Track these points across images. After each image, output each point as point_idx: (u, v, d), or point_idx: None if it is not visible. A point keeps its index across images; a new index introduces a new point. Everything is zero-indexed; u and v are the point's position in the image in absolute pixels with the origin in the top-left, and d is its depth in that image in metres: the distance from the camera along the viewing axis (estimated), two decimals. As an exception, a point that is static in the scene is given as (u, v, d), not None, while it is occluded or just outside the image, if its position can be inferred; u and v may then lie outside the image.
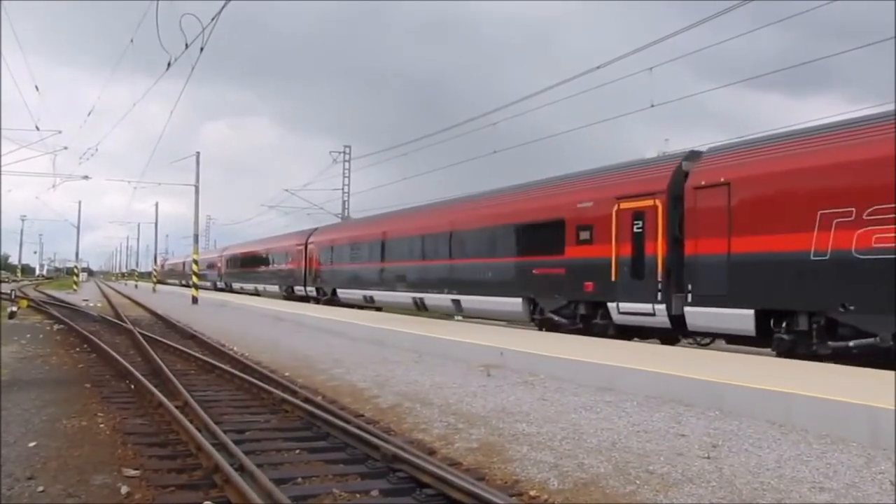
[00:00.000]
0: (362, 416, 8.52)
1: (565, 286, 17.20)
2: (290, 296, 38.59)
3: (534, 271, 18.29)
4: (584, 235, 16.61)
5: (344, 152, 48.22)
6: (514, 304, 19.09)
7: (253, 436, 7.46)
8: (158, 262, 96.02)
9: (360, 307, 29.70)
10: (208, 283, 60.62)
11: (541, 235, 18.17)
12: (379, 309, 28.60)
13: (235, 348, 15.73)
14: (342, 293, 31.91)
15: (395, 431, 7.74)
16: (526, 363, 11.94)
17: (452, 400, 9.50)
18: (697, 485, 5.75)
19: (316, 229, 38.03)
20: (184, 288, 60.05)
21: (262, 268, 45.87)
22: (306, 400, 8.92)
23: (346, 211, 47.22)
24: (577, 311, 16.92)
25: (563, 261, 17.20)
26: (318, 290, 34.92)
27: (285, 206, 54.27)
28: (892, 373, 9.47)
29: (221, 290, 56.11)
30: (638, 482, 5.84)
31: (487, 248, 20.75)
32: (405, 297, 25.55)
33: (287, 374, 11.94)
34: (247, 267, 50.08)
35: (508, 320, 20.99)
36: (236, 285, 53.20)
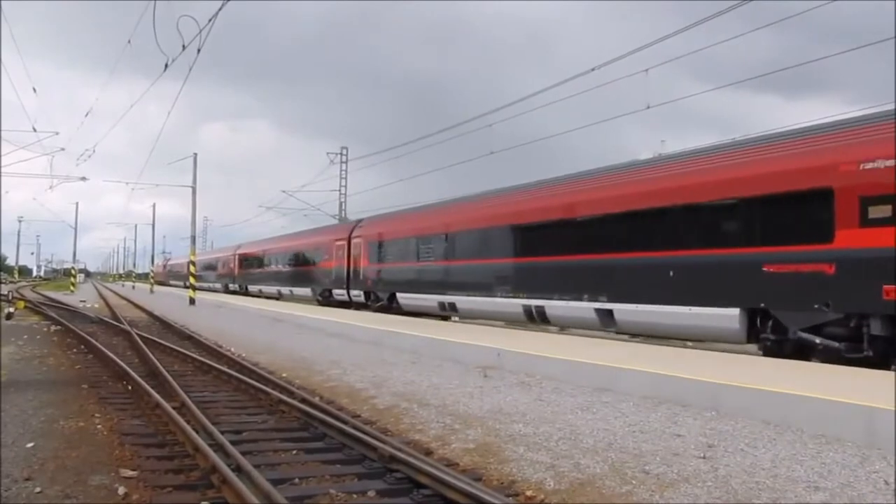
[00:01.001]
0: (359, 416, 8.53)
1: (837, 291, 11.21)
2: (326, 301, 33.04)
3: (765, 268, 12.17)
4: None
5: (341, 153, 48.23)
6: (722, 317, 12.93)
7: (250, 436, 7.47)
8: (160, 262, 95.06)
9: (429, 316, 23.76)
10: (219, 286, 56.93)
11: (780, 215, 12.28)
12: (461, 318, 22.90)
13: (233, 349, 15.73)
14: (405, 298, 25.31)
15: (393, 432, 7.75)
16: (523, 364, 11.96)
17: (449, 401, 9.52)
18: (693, 485, 5.78)
19: (360, 221, 31.67)
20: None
21: (288, 267, 39.85)
22: (303, 401, 8.93)
23: (342, 212, 47.21)
24: (866, 331, 10.87)
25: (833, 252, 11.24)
26: (367, 294, 28.61)
27: (283, 208, 54.10)
28: (887, 373, 9.51)
29: (234, 293, 51.39)
30: (634, 482, 5.87)
31: (660, 236, 14.44)
32: (511, 304, 18.94)
33: (284, 374, 11.95)
34: (268, 267, 44.17)
35: (712, 340, 14.17)
36: (253, 288, 47.12)
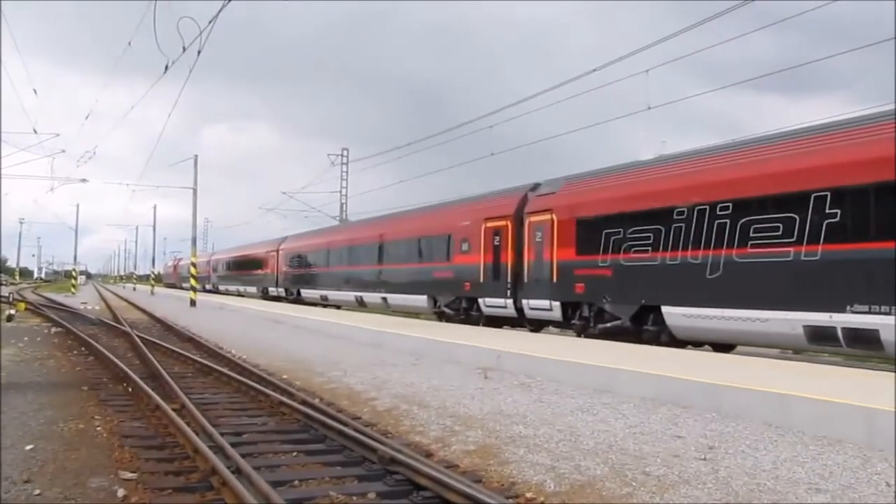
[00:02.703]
0: (359, 418, 8.52)
1: None
2: (466, 315, 22.69)
3: None
4: None
5: (342, 155, 48.24)
6: None
7: (250, 438, 7.46)
8: (168, 262, 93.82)
9: None
10: (253, 290, 49.34)
11: None
12: None
13: (233, 351, 15.72)
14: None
15: (393, 434, 7.74)
16: (523, 365, 11.95)
17: (449, 402, 9.50)
18: (694, 486, 5.76)
19: (538, 188, 20.27)
20: (215, 295, 52.86)
21: (384, 266, 28.76)
22: (304, 402, 8.92)
23: (343, 213, 47.22)
24: None
25: None
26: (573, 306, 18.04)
27: (283, 209, 53.69)
28: (888, 373, 9.50)
29: (276, 298, 42.81)
30: (634, 484, 5.85)
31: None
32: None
33: (285, 376, 11.94)
34: (337, 265, 34.32)
35: None
36: (309, 293, 37.89)
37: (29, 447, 6.89)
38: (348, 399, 10.02)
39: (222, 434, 6.98)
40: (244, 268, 52.42)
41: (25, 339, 18.40)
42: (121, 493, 5.51)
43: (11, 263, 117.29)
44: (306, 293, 38.34)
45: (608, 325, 16.57)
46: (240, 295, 52.23)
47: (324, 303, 35.62)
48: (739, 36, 16.65)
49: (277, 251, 44.09)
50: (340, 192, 47.87)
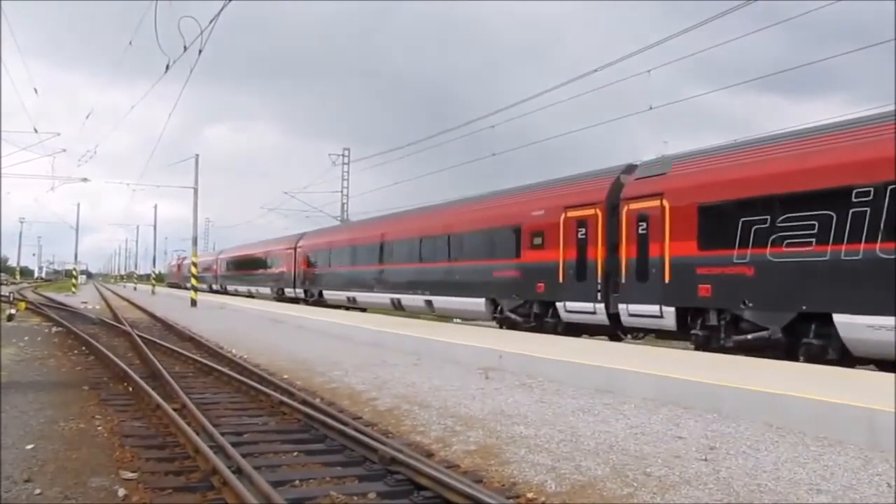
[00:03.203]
0: (360, 418, 8.52)
1: None
2: (519, 323, 19.68)
3: None
4: None
5: (343, 155, 48.26)
6: None
7: (251, 438, 7.46)
8: (172, 262, 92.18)
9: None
10: (266, 290, 44.70)
11: None
12: None
13: (234, 350, 15.72)
14: None
15: (393, 434, 7.74)
16: (524, 365, 11.95)
17: (451, 402, 9.50)
18: (695, 487, 5.76)
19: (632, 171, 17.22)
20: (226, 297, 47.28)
21: (412, 264, 25.75)
22: (304, 402, 8.92)
23: (345, 213, 47.22)
24: None
25: None
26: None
27: (284, 209, 53.53)
28: (888, 374, 9.48)
29: (292, 300, 38.63)
30: (635, 484, 5.85)
31: None
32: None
33: (285, 376, 11.94)
34: (365, 263, 30.10)
35: None
36: (333, 294, 33.08)
37: (30, 446, 6.90)
38: (349, 399, 10.02)
39: (223, 434, 6.98)
40: (255, 267, 48.62)
41: (26, 338, 18.40)
42: (121, 492, 5.52)
43: (12, 263, 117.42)
44: (330, 295, 34.02)
45: (749, 336, 13.39)
46: (250, 296, 48.35)
47: (351, 306, 31.46)
48: (742, 36, 16.63)
49: (295, 249, 39.88)
50: (342, 191, 47.90)
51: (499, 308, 20.54)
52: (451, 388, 10.60)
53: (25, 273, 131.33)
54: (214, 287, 59.99)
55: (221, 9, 11.58)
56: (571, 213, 17.61)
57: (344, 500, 5.45)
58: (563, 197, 18.25)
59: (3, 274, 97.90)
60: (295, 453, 6.86)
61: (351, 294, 31.23)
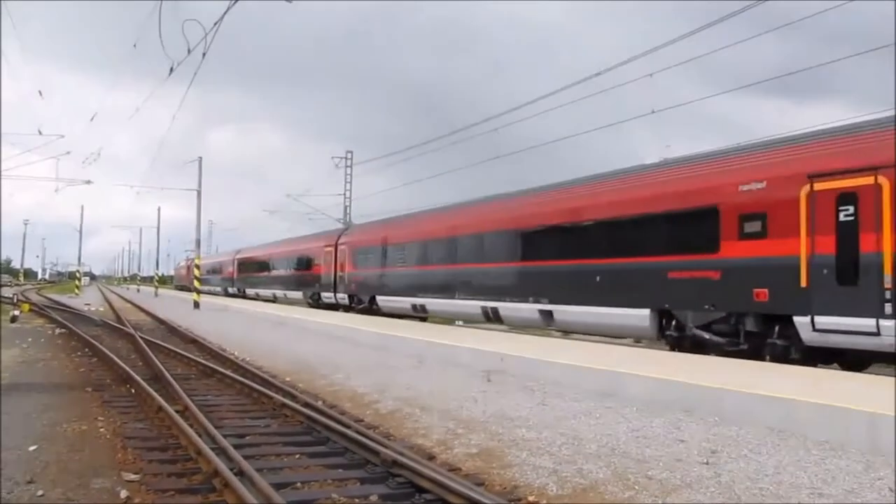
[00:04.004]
0: (362, 421, 8.53)
1: None
2: (722, 344, 13.87)
3: None
4: None
5: (346, 157, 48.28)
6: None
7: (253, 440, 7.48)
8: (182, 263, 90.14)
9: None
10: (298, 295, 37.99)
11: None
12: None
13: (236, 353, 15.74)
14: None
15: (395, 436, 7.74)
16: (526, 369, 11.94)
17: (452, 405, 9.50)
18: (696, 490, 5.76)
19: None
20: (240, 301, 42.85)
21: (518, 263, 19.96)
22: (306, 405, 8.94)
23: (347, 216, 47.24)
24: None
25: None
26: None
27: (288, 212, 53.30)
28: (890, 379, 9.47)
29: (332, 306, 32.53)
30: (637, 488, 5.85)
31: None
32: None
33: (287, 378, 11.95)
34: (440, 261, 23.81)
35: None
36: (396, 300, 26.53)
37: (32, 448, 6.92)
38: (351, 402, 10.03)
39: (225, 436, 6.99)
40: (282, 268, 42.05)
41: (29, 340, 18.45)
42: (124, 494, 5.53)
43: (16, 264, 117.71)
44: (387, 302, 27.31)
45: None
46: (273, 300, 42.37)
47: (417, 315, 25.50)
48: (745, 40, 16.62)
49: (336, 246, 32.73)
50: (344, 194, 47.90)
51: (672, 323, 14.91)
52: (452, 391, 10.61)
53: (29, 275, 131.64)
54: (230, 290, 54.93)
55: (225, 12, 11.62)
56: (825, 184, 12.05)
57: (345, 502, 5.46)
58: (808, 160, 12.67)
59: (6, 275, 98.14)
60: (297, 455, 6.88)
61: (419, 300, 24.76)
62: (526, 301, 19.24)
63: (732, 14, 14.94)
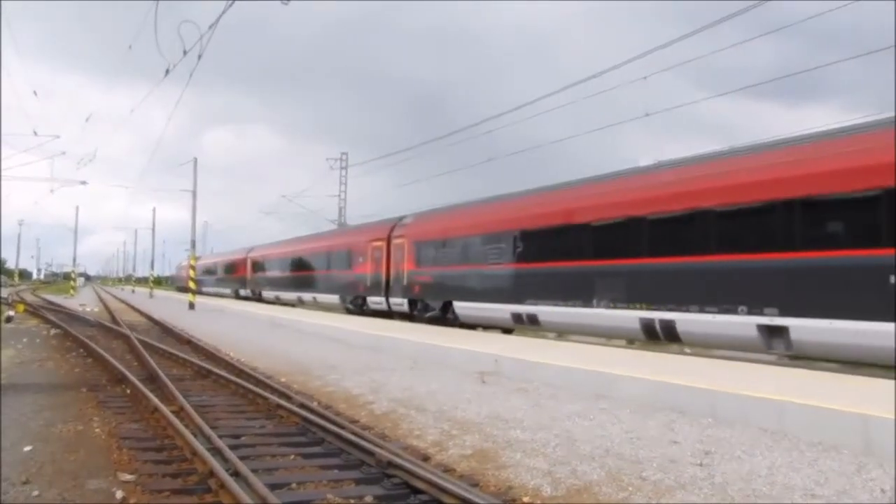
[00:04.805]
0: (357, 421, 8.54)
1: None
2: None
3: None
4: None
5: (341, 159, 48.32)
6: None
7: (248, 441, 7.49)
8: (183, 262, 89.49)
9: None
10: (334, 300, 31.80)
11: None
12: None
13: (231, 354, 15.73)
14: None
15: (390, 437, 7.76)
16: (520, 370, 11.97)
17: (447, 406, 9.53)
18: (690, 491, 5.79)
19: None
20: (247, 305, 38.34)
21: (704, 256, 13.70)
22: (301, 405, 8.95)
23: (342, 217, 47.25)
24: None
25: None
26: None
27: (283, 213, 53.02)
28: (883, 380, 9.52)
29: (384, 314, 26.74)
30: (631, 489, 5.88)
31: None
32: None
33: (283, 379, 11.96)
34: (567, 256, 17.44)
35: None
36: (488, 307, 20.30)
37: (28, 448, 6.92)
38: (346, 402, 10.04)
39: (220, 436, 7.00)
40: (312, 267, 35.72)
41: (24, 340, 18.41)
42: (119, 494, 5.54)
43: (11, 265, 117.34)
44: (471, 309, 21.20)
45: None
46: (299, 304, 37.40)
47: (514, 326, 20.13)
48: (740, 43, 16.68)
49: (388, 241, 26.59)
50: (339, 195, 47.92)
51: None
52: (447, 392, 10.63)
53: (24, 275, 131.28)
54: (242, 293, 49.35)
55: (221, 14, 11.63)
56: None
57: (341, 502, 5.48)
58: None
59: (2, 276, 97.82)
60: (292, 456, 6.89)
61: (526, 308, 18.47)
62: (734, 311, 12.93)
63: (726, 18, 14.99)
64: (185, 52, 13.12)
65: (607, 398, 9.83)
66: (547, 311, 17.77)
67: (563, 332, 18.84)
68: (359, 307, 29.05)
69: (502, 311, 19.50)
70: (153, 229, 70.68)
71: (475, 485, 5.88)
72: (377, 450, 6.40)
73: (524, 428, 8.14)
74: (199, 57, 13.10)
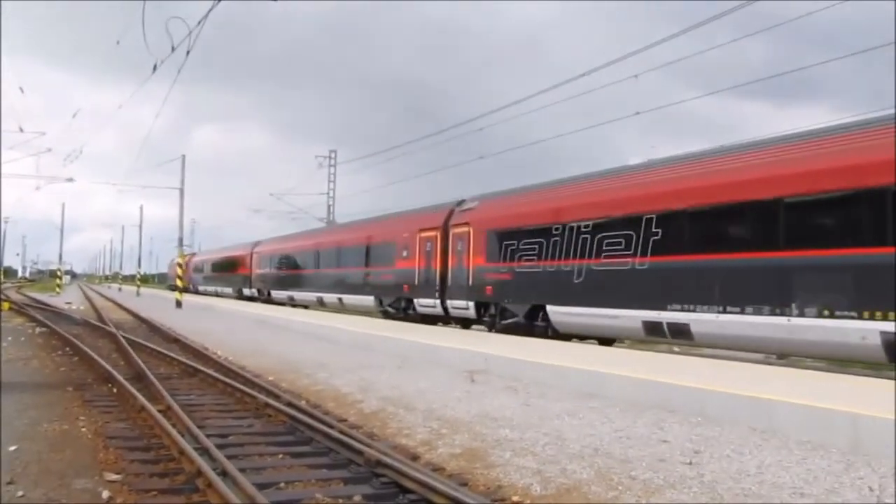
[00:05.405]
0: (346, 420, 8.50)
1: None
2: None
3: None
4: None
5: (329, 157, 48.20)
6: None
7: (236, 440, 7.44)
8: (178, 258, 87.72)
9: None
10: (370, 302, 26.90)
11: None
12: None
13: (219, 352, 15.65)
14: None
15: (379, 436, 7.73)
16: (510, 369, 11.96)
17: (436, 405, 9.50)
18: (679, 490, 5.79)
19: None
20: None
21: None
22: (289, 404, 8.90)
23: (331, 215, 47.15)
24: None
25: None
26: None
27: (271, 210, 52.96)
28: (873, 379, 9.57)
29: (437, 318, 22.35)
30: (620, 488, 5.87)
31: None
32: None
33: (271, 378, 11.90)
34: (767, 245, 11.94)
35: None
36: (621, 314, 14.76)
37: (12, 448, 6.84)
38: (335, 401, 10.00)
39: (208, 436, 6.96)
40: (339, 264, 30.61)
41: (9, 338, 18.25)
42: (105, 494, 5.48)
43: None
44: (575, 316, 16.42)
45: None
46: (321, 306, 32.52)
47: (674, 341, 14.91)
48: (730, 42, 16.72)
49: (444, 231, 21.91)
50: (328, 193, 47.82)
51: None
52: (436, 391, 10.60)
53: (9, 273, 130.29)
54: (247, 292, 44.61)
55: (209, 10, 11.55)
56: None
57: (329, 502, 5.44)
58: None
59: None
60: (280, 455, 6.85)
61: (668, 316, 13.74)
62: None
63: (717, 16, 15.03)
64: (173, 49, 13.03)
65: (597, 397, 9.83)
66: (706, 321, 12.94)
67: (732, 348, 13.60)
68: (402, 311, 24.47)
69: (628, 318, 14.70)
70: (140, 226, 70.27)
71: (464, 484, 5.86)
72: (366, 449, 6.37)
73: (513, 427, 8.12)
74: (188, 53, 13.02)
